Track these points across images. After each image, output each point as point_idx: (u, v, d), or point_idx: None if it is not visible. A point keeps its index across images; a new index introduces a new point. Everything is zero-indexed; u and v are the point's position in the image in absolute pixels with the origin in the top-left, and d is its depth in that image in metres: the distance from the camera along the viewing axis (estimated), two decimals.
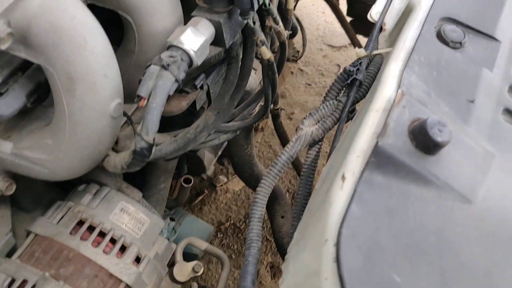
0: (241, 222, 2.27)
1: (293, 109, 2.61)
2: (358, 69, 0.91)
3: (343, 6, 2.29)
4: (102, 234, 1.03)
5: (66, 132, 0.79)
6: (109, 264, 1.00)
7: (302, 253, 0.69)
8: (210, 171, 1.58)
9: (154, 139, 0.76)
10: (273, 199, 1.63)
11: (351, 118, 0.93)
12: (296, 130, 0.92)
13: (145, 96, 0.75)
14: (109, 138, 0.83)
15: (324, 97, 0.94)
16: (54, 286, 0.93)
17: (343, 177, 0.65)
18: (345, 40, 2.94)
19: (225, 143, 1.64)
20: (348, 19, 2.32)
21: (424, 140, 0.64)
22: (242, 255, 2.17)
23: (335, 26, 3.03)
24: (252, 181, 1.61)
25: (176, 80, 0.78)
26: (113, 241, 1.03)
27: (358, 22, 2.38)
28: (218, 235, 2.23)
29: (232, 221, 2.27)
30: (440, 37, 0.80)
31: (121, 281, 1.00)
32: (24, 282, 0.94)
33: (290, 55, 1.95)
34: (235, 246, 2.20)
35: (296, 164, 2.08)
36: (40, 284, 0.93)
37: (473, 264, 0.62)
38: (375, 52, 0.93)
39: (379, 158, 0.64)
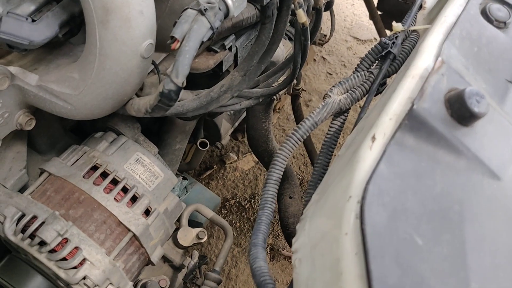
0: (246, 201, 2.26)
1: (311, 97, 2.59)
2: (393, 43, 0.90)
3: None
4: (114, 182, 1.02)
5: (94, 66, 0.78)
6: (119, 212, 0.99)
7: (321, 212, 0.68)
8: (225, 141, 1.57)
9: (183, 83, 0.75)
10: (283, 179, 1.62)
11: (381, 92, 0.91)
12: (324, 97, 0.90)
13: (179, 38, 0.74)
14: (137, 79, 0.82)
15: (356, 67, 0.93)
16: (62, 225, 0.93)
17: (373, 138, 0.63)
18: (371, 34, 2.91)
19: (243, 115, 1.63)
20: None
21: (460, 109, 0.63)
22: (244, 233, 2.17)
23: (362, 20, 3.00)
24: (265, 156, 1.59)
25: (211, 27, 0.77)
26: (125, 190, 1.03)
27: (386, 17, 2.36)
28: (222, 211, 2.23)
29: (237, 199, 2.27)
30: (485, 14, 0.79)
31: (128, 230, 1.00)
32: (34, 218, 0.94)
33: (316, 38, 1.93)
34: (238, 224, 2.20)
35: (309, 149, 2.07)
36: (49, 221, 0.93)
37: (495, 239, 0.61)
38: (412, 28, 0.92)
39: (412, 122, 0.62)
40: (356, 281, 0.54)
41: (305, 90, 2.55)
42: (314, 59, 2.74)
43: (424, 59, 0.71)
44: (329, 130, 0.92)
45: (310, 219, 0.70)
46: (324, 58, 2.77)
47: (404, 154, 0.61)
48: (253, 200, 2.27)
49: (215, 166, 2.36)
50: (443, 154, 0.63)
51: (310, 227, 0.69)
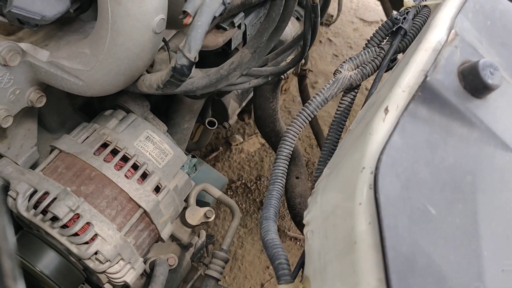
0: (252, 183, 2.27)
1: (317, 78, 2.59)
2: (404, 18, 0.89)
3: None
4: (125, 159, 1.03)
5: (106, 41, 0.78)
6: (130, 188, 1.00)
7: (333, 184, 0.69)
8: (232, 121, 1.57)
9: (195, 58, 0.75)
10: (290, 160, 1.62)
11: (391, 68, 0.91)
12: (334, 73, 0.91)
13: (191, 13, 0.74)
14: (148, 54, 0.82)
15: (366, 43, 0.93)
16: (74, 201, 0.93)
17: (386, 110, 0.64)
18: (378, 16, 2.89)
19: (250, 95, 1.63)
20: None
21: (474, 81, 0.63)
22: (250, 214, 2.18)
23: (369, 1, 2.98)
24: (272, 136, 1.60)
25: (223, 2, 0.77)
26: (135, 167, 1.03)
27: None
28: (228, 193, 2.24)
29: (243, 181, 2.28)
30: None
31: (139, 206, 1.01)
32: (46, 194, 0.95)
33: (323, 19, 1.92)
34: (244, 206, 2.21)
35: (316, 131, 2.07)
36: (61, 197, 0.94)
37: (507, 209, 0.61)
38: (424, 3, 0.91)
39: (425, 93, 0.63)
40: (370, 250, 0.55)
41: (312, 71, 2.54)
42: (320, 41, 2.72)
43: (437, 32, 0.71)
44: (339, 106, 0.93)
45: (322, 192, 0.71)
46: (330, 40, 2.76)
47: (417, 125, 0.61)
48: (259, 182, 2.28)
49: (220, 148, 2.36)
50: (456, 126, 0.63)
51: (322, 199, 0.70)
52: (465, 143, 0.62)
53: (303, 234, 0.72)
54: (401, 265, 0.53)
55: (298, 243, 2.13)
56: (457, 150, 0.62)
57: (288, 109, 2.51)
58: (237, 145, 2.37)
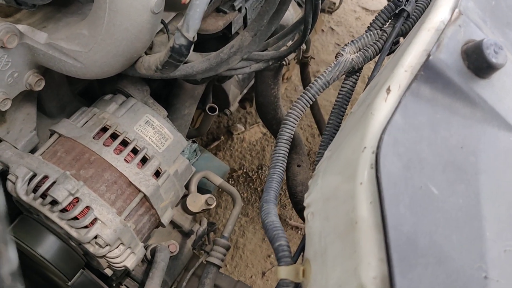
0: (253, 172, 2.27)
1: (319, 68, 2.57)
2: (407, 0, 0.88)
3: None
4: (124, 143, 1.02)
5: (104, 21, 0.77)
6: (129, 172, 0.99)
7: (334, 165, 0.68)
8: (233, 107, 1.56)
9: (194, 37, 0.74)
10: (291, 147, 1.61)
11: (393, 51, 0.90)
12: (336, 56, 0.89)
13: None
14: (147, 35, 0.81)
15: (368, 26, 0.91)
16: (74, 184, 0.93)
17: (388, 90, 0.63)
18: (380, 5, 2.87)
19: (252, 82, 1.62)
20: None
21: (477, 60, 0.62)
22: (251, 203, 2.18)
23: None
24: (273, 124, 1.58)
25: None
26: (135, 151, 1.02)
27: None
28: (230, 182, 2.24)
29: (244, 170, 2.27)
30: None
31: (139, 191, 1.00)
32: (45, 177, 0.94)
33: (326, 6, 1.90)
34: (245, 195, 2.21)
35: (317, 119, 2.06)
36: (60, 181, 0.93)
37: (510, 191, 0.60)
38: None
39: (428, 73, 0.62)
40: (371, 229, 0.54)
41: (313, 58, 2.52)
42: (322, 30, 2.71)
43: (440, 12, 0.70)
44: (341, 90, 0.91)
45: (323, 174, 0.70)
46: (332, 29, 2.74)
47: (420, 105, 0.60)
48: (260, 171, 2.27)
49: (222, 137, 2.35)
50: (459, 105, 0.62)
51: (323, 181, 0.69)
52: (468, 123, 0.62)
53: (304, 222, 0.71)
54: (402, 245, 0.52)
55: (299, 232, 2.13)
56: (460, 130, 0.61)
57: (290, 98, 2.50)
58: (238, 134, 2.37)
